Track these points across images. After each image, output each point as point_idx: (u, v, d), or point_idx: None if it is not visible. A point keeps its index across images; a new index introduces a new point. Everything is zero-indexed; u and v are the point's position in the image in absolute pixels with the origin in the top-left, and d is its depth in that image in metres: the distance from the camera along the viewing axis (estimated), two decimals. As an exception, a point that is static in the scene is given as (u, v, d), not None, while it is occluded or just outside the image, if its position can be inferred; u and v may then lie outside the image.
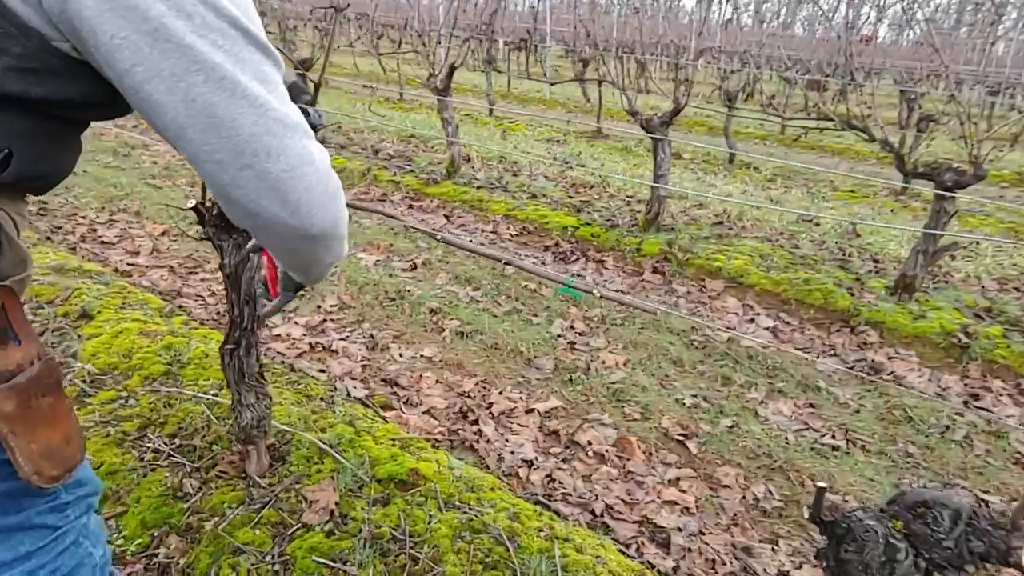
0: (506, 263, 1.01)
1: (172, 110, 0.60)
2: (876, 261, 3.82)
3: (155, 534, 1.48)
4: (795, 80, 5.07)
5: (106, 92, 0.64)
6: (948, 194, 2.94)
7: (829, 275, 3.39)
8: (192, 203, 1.38)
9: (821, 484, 0.75)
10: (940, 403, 2.52)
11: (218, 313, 2.65)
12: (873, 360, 2.79)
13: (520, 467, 1.90)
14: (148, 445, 1.71)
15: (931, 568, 0.72)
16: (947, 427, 2.35)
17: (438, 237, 1.05)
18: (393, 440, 1.80)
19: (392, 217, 1.04)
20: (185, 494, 1.58)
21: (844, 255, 3.85)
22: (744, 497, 1.90)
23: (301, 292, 1.02)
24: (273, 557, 1.41)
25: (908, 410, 2.43)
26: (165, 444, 1.72)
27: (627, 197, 4.73)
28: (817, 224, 4.45)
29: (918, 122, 5.79)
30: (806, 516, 0.74)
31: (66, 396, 0.77)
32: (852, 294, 3.21)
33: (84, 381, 1.95)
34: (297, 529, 1.48)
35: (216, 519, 1.50)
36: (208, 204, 1.39)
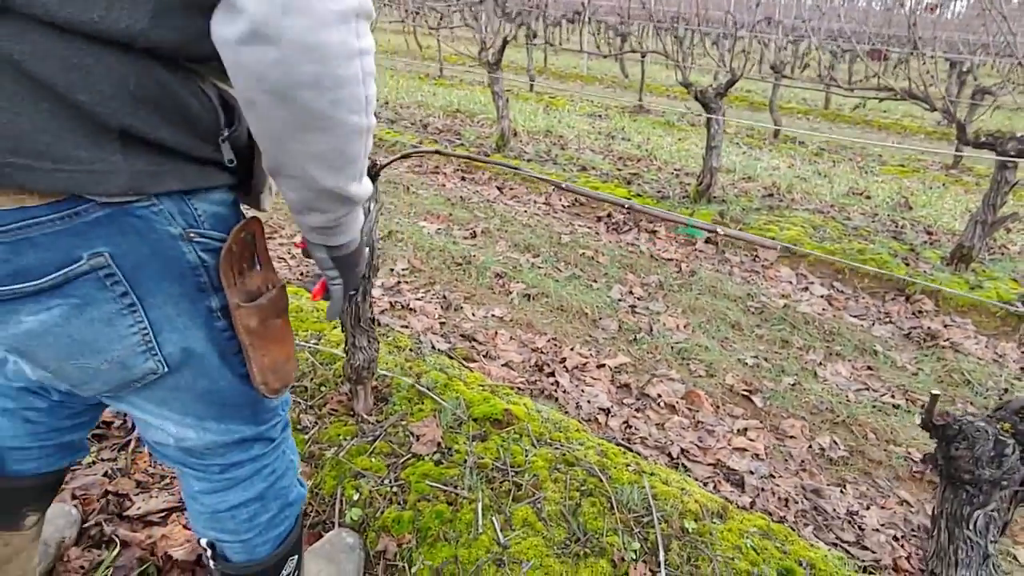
0: (629, 207, 1.11)
1: None
2: (930, 233, 3.83)
3: (282, 460, 1.66)
4: (853, 51, 5.00)
5: None
6: (1011, 162, 2.95)
7: (883, 245, 3.42)
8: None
9: (935, 391, 0.85)
10: (997, 369, 2.57)
11: (302, 273, 2.82)
12: (929, 327, 2.85)
13: (598, 414, 2.03)
14: (264, 385, 1.89)
15: (1035, 463, 0.83)
16: (1005, 390, 2.41)
17: (563, 185, 1.16)
18: (482, 386, 1.95)
19: (515, 169, 1.13)
20: (304, 427, 1.75)
21: (897, 227, 3.87)
22: (810, 447, 2.01)
23: (351, 292, 1.02)
24: (391, 480, 1.57)
25: (966, 374, 2.49)
26: (278, 385, 1.89)
27: (675, 170, 4.78)
28: (868, 197, 4.45)
29: (973, 94, 5.68)
30: (918, 422, 0.85)
31: (288, 321, 0.87)
32: (907, 264, 3.24)
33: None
34: (408, 458, 1.64)
35: (335, 449, 1.66)
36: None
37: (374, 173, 1.51)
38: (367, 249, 1.56)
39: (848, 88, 3.55)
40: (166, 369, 0.76)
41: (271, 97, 0.60)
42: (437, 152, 1.26)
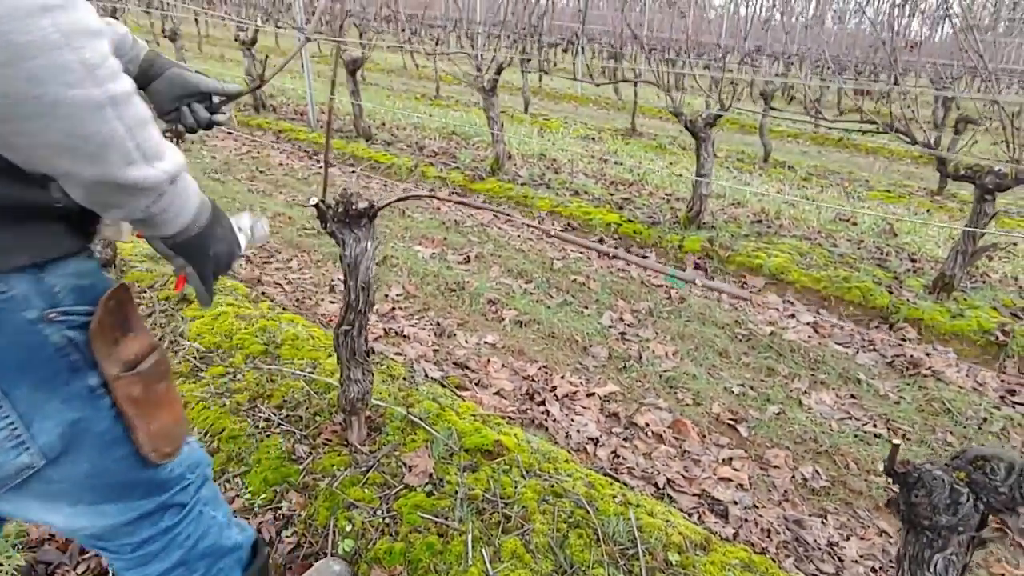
0: (614, 255, 1.17)
1: None
2: (913, 260, 3.92)
3: (276, 490, 1.69)
4: (836, 81, 5.15)
5: None
6: (989, 196, 3.04)
7: (868, 273, 3.50)
8: (314, 201, 1.58)
9: (896, 441, 0.91)
10: (977, 397, 2.64)
11: (297, 300, 2.87)
12: (912, 356, 2.92)
13: (587, 444, 2.08)
14: (259, 415, 1.93)
15: (988, 511, 0.89)
16: (984, 419, 2.47)
17: (551, 233, 1.21)
18: (474, 416, 1.99)
19: (504, 214, 1.19)
20: (298, 457, 1.79)
21: (882, 254, 3.96)
22: (793, 476, 2.06)
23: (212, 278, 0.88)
24: (383, 512, 1.61)
25: (947, 403, 2.55)
26: (274, 414, 1.94)
27: (666, 195, 4.87)
28: (855, 223, 4.55)
29: (956, 123, 5.82)
30: (881, 469, 0.91)
31: (173, 383, 0.84)
32: (891, 292, 3.32)
33: (195, 358, 2.17)
34: (401, 489, 1.68)
35: (328, 479, 1.70)
36: (330, 203, 1.58)
37: (371, 214, 1.57)
38: (357, 276, 1.61)
39: (831, 121, 3.65)
40: (43, 461, 0.71)
41: None
42: (432, 196, 1.32)
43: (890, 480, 0.93)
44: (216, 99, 1.11)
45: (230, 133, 6.05)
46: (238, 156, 5.34)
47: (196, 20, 13.76)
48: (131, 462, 0.80)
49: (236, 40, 6.23)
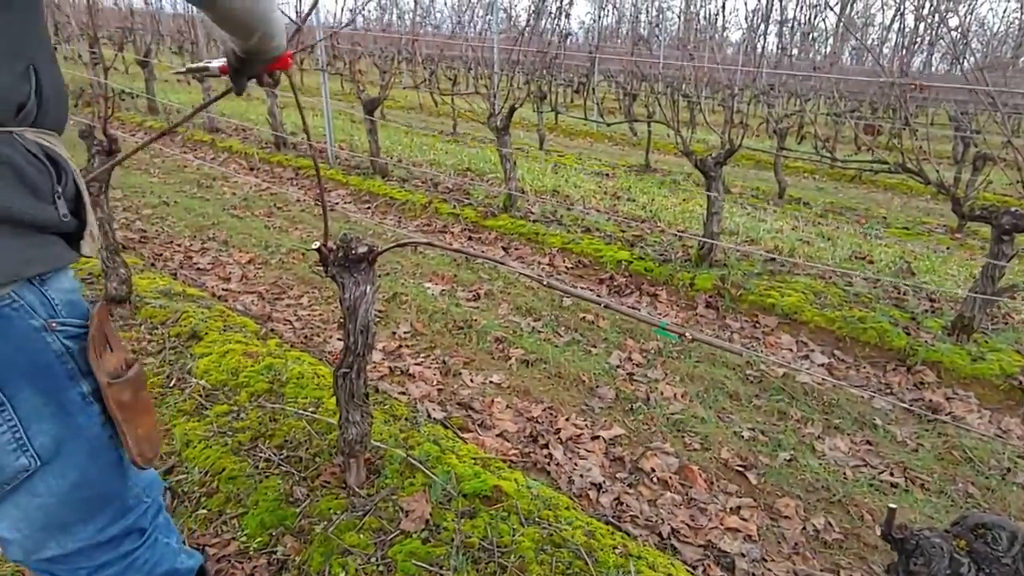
0: (605, 305, 1.17)
1: None
2: (932, 300, 3.83)
3: (272, 534, 1.68)
4: (848, 120, 5.15)
5: None
6: (1007, 237, 2.98)
7: (884, 314, 3.43)
8: (316, 245, 1.60)
9: (892, 505, 0.88)
10: (1001, 445, 2.54)
11: (305, 337, 2.90)
12: (931, 400, 2.83)
13: (589, 489, 2.04)
14: (260, 455, 1.93)
15: (991, 582, 0.84)
16: (1008, 469, 2.37)
17: (544, 283, 1.22)
18: (474, 459, 1.97)
19: (499, 263, 1.19)
20: (295, 500, 1.78)
21: (899, 293, 3.88)
22: (804, 528, 1.98)
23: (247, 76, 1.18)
24: (377, 559, 1.59)
25: (968, 451, 2.46)
26: (274, 455, 1.93)
27: (678, 232, 4.86)
28: (871, 261, 4.48)
29: (974, 160, 5.76)
30: (878, 533, 0.87)
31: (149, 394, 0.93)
32: (908, 333, 3.24)
33: (200, 395, 2.19)
34: (396, 535, 1.65)
35: (324, 523, 1.69)
36: (331, 247, 1.61)
37: (371, 259, 1.59)
38: (356, 320, 1.61)
39: (843, 161, 3.63)
40: (38, 463, 0.76)
41: None
42: (429, 244, 1.33)
43: (888, 545, 0.89)
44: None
45: (251, 169, 6.20)
46: (257, 192, 5.47)
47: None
48: (114, 470, 0.87)
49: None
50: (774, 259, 4.34)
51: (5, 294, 0.68)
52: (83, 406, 0.80)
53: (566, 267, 4.16)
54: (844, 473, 2.28)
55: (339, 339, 2.93)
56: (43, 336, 0.73)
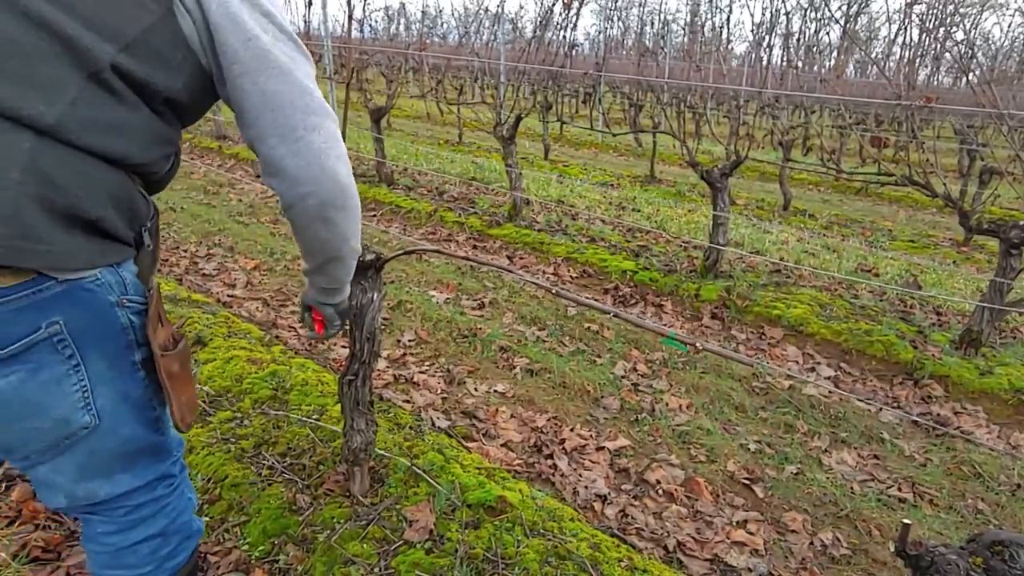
0: (615, 315, 1.17)
1: (253, 96, 0.85)
2: (939, 314, 3.81)
3: (275, 542, 1.67)
4: (854, 131, 5.15)
5: (199, 88, 0.88)
6: (1015, 251, 2.97)
7: (890, 327, 3.41)
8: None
9: (907, 520, 0.86)
10: (1010, 461, 2.51)
11: (310, 344, 2.89)
12: (939, 414, 2.80)
13: (594, 501, 2.02)
14: (263, 462, 1.92)
15: (1008, 601, 0.83)
16: (1019, 485, 2.34)
17: (554, 292, 1.21)
18: (479, 469, 1.96)
19: (506, 269, 1.20)
20: (299, 508, 1.76)
21: (906, 307, 3.86)
22: (812, 543, 1.96)
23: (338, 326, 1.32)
24: (380, 569, 1.57)
25: (977, 466, 2.43)
26: (277, 462, 1.92)
27: (683, 243, 4.85)
28: (877, 274, 4.46)
29: (981, 174, 5.75)
30: (891, 549, 0.86)
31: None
32: (915, 347, 3.22)
33: (205, 401, 2.18)
34: (400, 545, 1.64)
35: (327, 532, 1.67)
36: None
37: (378, 266, 1.58)
38: (363, 327, 1.62)
39: (848, 173, 3.63)
40: (97, 422, 0.88)
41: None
42: (438, 251, 1.33)
43: (901, 561, 0.88)
44: None
45: (257, 176, 6.24)
46: (263, 199, 5.49)
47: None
48: (153, 426, 0.99)
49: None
50: (779, 270, 4.32)
51: (92, 275, 0.83)
52: (132, 372, 0.92)
53: (571, 277, 4.16)
54: (852, 487, 2.25)
55: (344, 346, 2.93)
56: (115, 311, 0.86)
